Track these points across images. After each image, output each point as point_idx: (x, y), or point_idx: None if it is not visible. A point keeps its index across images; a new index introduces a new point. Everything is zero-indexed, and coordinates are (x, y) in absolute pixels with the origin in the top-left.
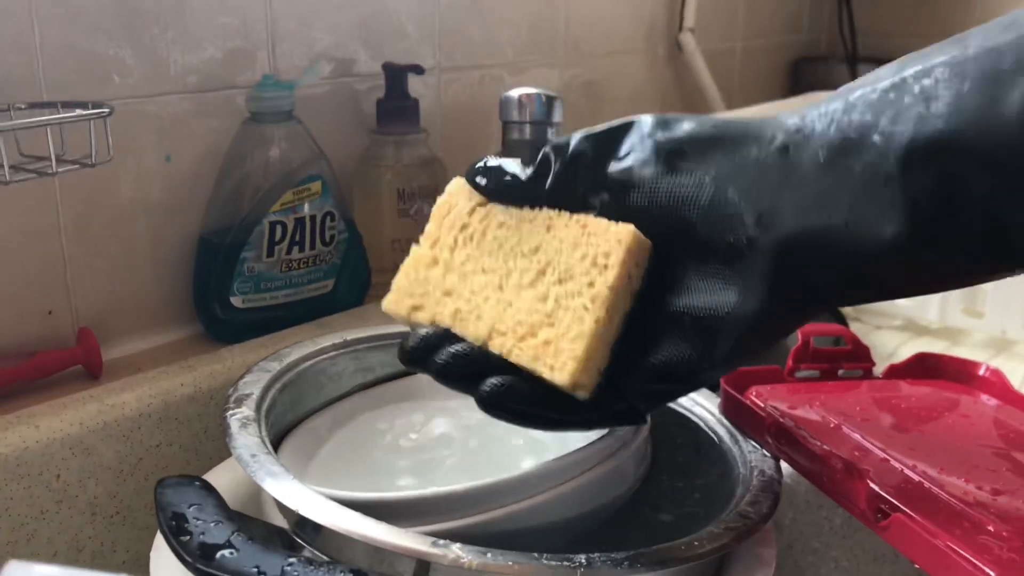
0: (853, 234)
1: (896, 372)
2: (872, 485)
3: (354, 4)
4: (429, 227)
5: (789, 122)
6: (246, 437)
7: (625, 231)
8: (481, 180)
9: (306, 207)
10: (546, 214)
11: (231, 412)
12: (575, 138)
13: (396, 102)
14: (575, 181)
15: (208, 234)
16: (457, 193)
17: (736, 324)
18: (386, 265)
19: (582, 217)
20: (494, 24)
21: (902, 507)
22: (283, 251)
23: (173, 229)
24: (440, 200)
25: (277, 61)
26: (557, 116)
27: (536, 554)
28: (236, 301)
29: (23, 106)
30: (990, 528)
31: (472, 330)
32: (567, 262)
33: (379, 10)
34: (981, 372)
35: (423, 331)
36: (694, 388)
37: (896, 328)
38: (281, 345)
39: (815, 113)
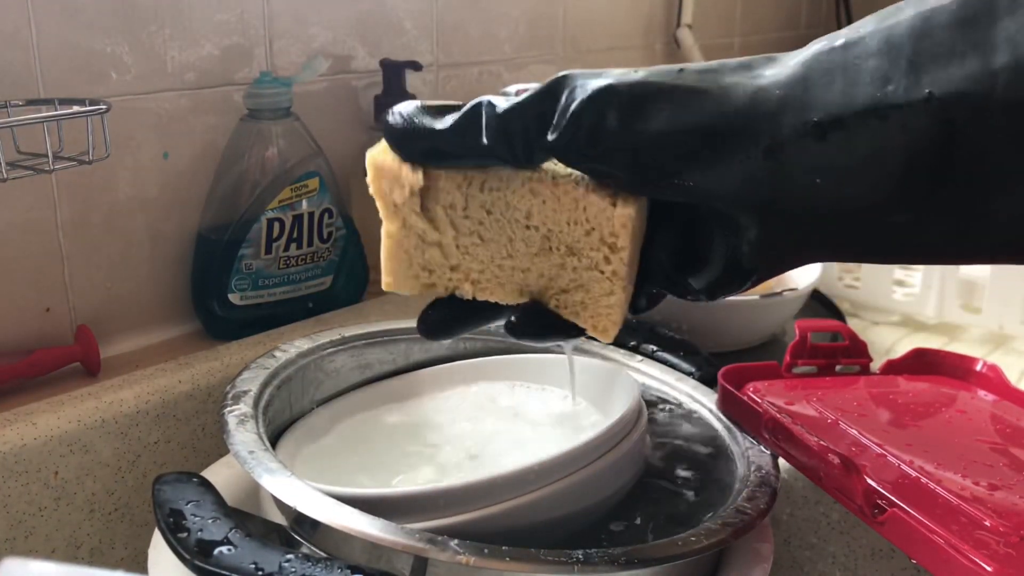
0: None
1: (893, 368)
2: (869, 481)
3: (352, 0)
4: (384, 206)
5: (769, 101)
6: (244, 434)
7: (625, 216)
8: (406, 150)
9: (304, 204)
10: (520, 175)
11: (229, 409)
12: (514, 100)
13: (394, 98)
14: (515, 144)
15: (206, 231)
16: (390, 166)
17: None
18: None
19: (569, 188)
20: (492, 20)
21: (899, 502)
22: (281, 248)
23: (171, 226)
24: (373, 176)
25: (275, 58)
26: None
27: (533, 550)
28: (234, 298)
29: (20, 103)
30: (987, 523)
31: (500, 295)
32: (571, 236)
33: (377, 6)
34: (978, 368)
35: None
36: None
37: (893, 324)
38: (279, 342)
39: (790, 84)
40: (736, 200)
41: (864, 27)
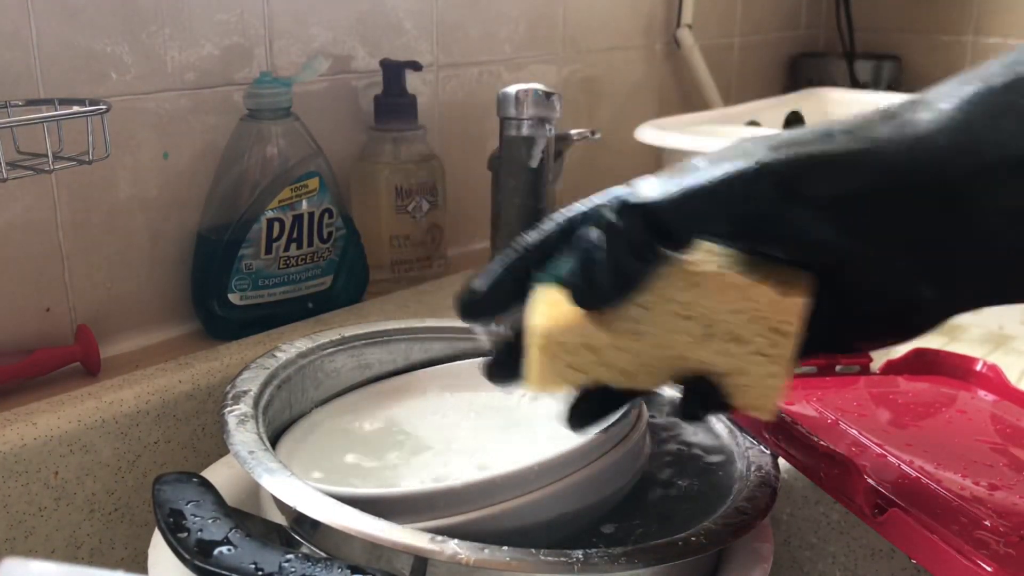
0: None
1: (893, 368)
2: (869, 480)
3: (352, 0)
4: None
5: (935, 150)
6: (244, 434)
7: (798, 304)
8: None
9: (304, 204)
10: (677, 269)
11: (229, 409)
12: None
13: (394, 99)
14: (672, 235)
15: (206, 231)
16: (566, 338)
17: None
18: (384, 262)
19: (733, 277)
20: (492, 20)
21: (899, 502)
22: (281, 248)
23: (171, 226)
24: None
25: (275, 58)
26: (555, 112)
27: (533, 550)
28: (234, 298)
29: (20, 103)
30: (987, 523)
31: (649, 383)
32: (734, 323)
33: (377, 6)
34: (978, 368)
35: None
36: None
37: None
38: (279, 342)
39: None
40: (913, 258)
41: (1018, 64)
